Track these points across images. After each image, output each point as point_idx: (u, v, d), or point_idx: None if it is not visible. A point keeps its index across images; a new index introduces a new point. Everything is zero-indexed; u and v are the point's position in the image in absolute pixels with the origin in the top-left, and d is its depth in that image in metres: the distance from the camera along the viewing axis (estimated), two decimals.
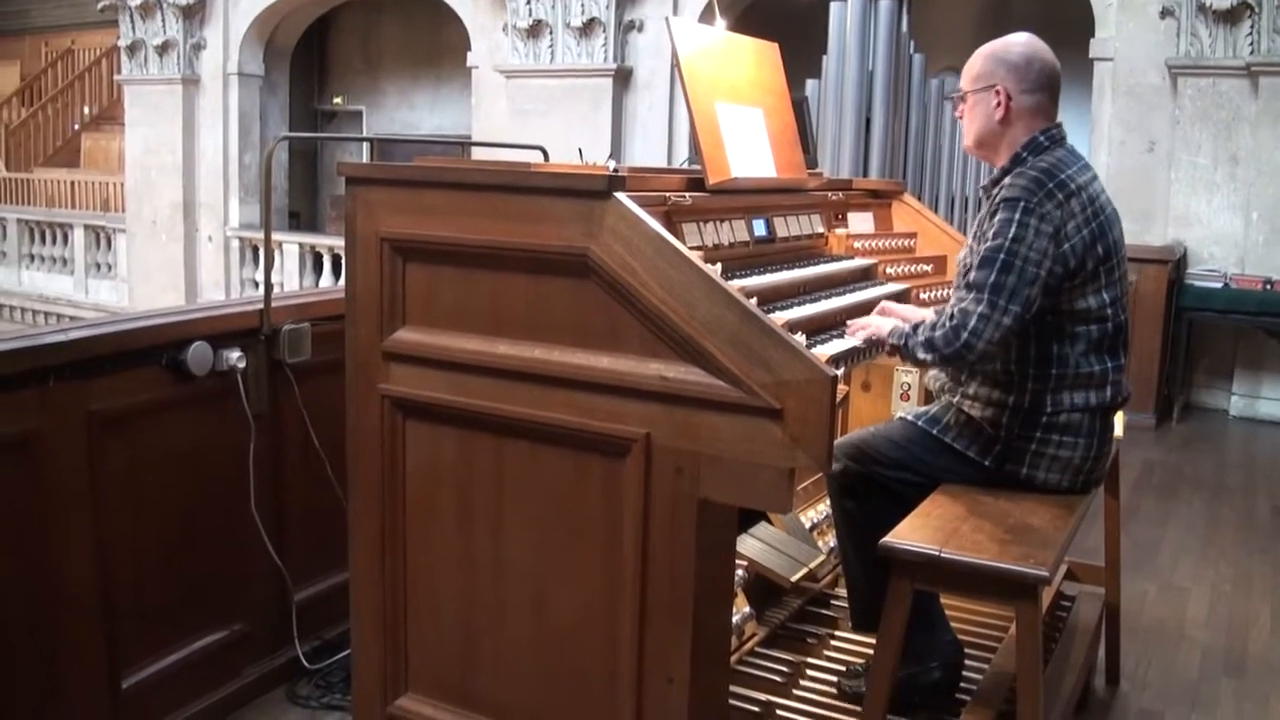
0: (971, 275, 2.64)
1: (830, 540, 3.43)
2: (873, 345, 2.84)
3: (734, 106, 3.04)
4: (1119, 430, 3.01)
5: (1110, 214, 2.76)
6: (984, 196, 2.85)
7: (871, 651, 2.99)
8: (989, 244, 2.64)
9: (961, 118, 2.92)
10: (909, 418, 2.91)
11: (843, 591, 3.34)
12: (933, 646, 2.89)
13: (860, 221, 3.80)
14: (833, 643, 3.23)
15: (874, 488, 2.85)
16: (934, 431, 2.84)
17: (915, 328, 2.74)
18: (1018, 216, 2.62)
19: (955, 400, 2.84)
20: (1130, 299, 2.91)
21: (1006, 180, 2.73)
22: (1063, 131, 2.83)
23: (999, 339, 2.61)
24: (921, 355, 2.71)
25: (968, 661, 3.01)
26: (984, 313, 2.59)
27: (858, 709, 2.76)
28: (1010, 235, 2.61)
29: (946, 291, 3.48)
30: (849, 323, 2.92)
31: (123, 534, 2.97)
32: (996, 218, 2.66)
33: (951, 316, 2.63)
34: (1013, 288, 2.59)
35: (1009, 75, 2.79)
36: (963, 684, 2.93)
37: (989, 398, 2.77)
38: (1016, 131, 2.80)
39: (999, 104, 2.79)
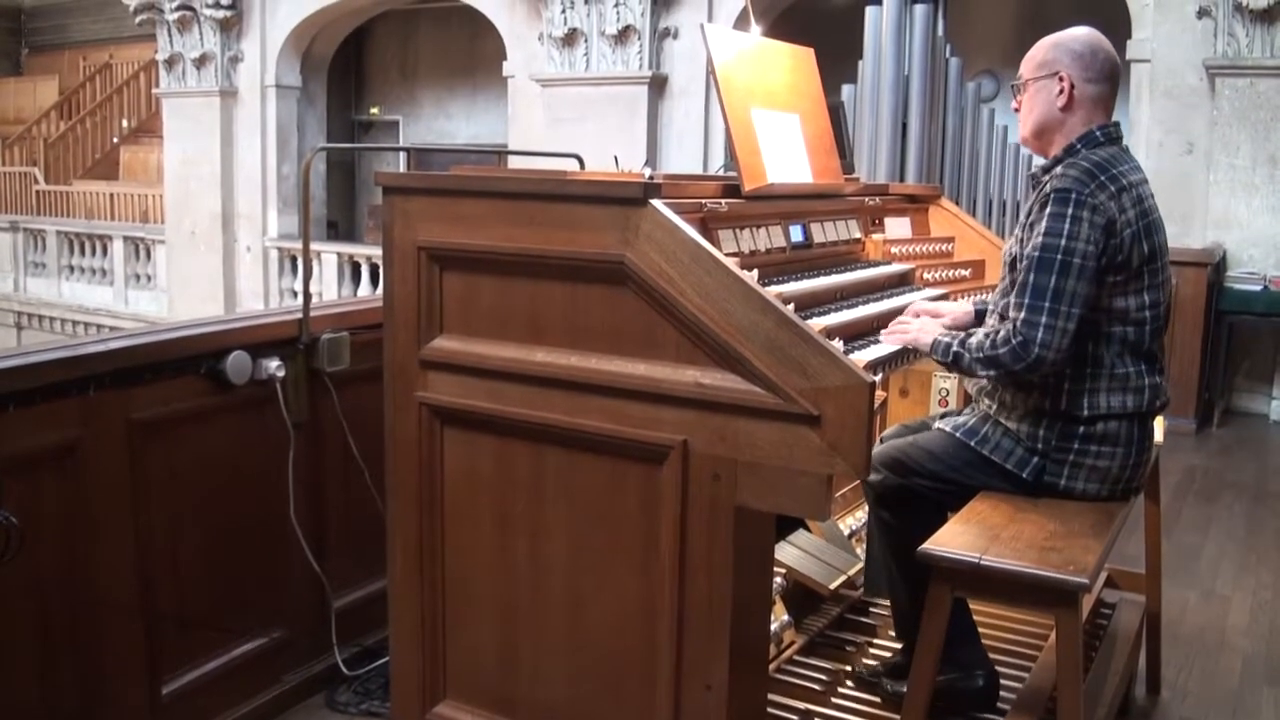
0: (1030, 279, 2.58)
1: None
2: (910, 351, 2.82)
3: (770, 112, 3.03)
4: (1159, 436, 2.97)
5: (1156, 219, 2.71)
6: (1032, 184, 2.79)
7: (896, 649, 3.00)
8: (1042, 242, 2.58)
9: (1019, 109, 2.87)
10: (947, 429, 2.86)
11: (881, 599, 3.33)
12: (977, 655, 2.87)
13: (897, 226, 3.78)
14: (872, 651, 3.21)
15: (911, 498, 2.82)
16: (972, 444, 2.79)
17: (964, 342, 2.68)
18: (1070, 211, 2.57)
19: (992, 412, 2.80)
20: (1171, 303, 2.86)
21: (1058, 170, 2.67)
22: (1119, 130, 2.79)
23: (1068, 345, 2.57)
24: (983, 373, 2.66)
25: (1007, 670, 2.99)
26: (1049, 323, 2.55)
27: (896, 716, 2.75)
28: (1064, 233, 2.56)
29: (984, 295, 3.45)
30: (888, 327, 2.90)
31: (163, 542, 2.99)
32: (1047, 211, 2.60)
33: (1015, 333, 2.57)
34: (1073, 290, 2.55)
35: (1074, 63, 2.74)
36: (1002, 692, 2.90)
37: (1025, 404, 2.72)
38: (1075, 121, 2.75)
39: (1062, 91, 2.74)
